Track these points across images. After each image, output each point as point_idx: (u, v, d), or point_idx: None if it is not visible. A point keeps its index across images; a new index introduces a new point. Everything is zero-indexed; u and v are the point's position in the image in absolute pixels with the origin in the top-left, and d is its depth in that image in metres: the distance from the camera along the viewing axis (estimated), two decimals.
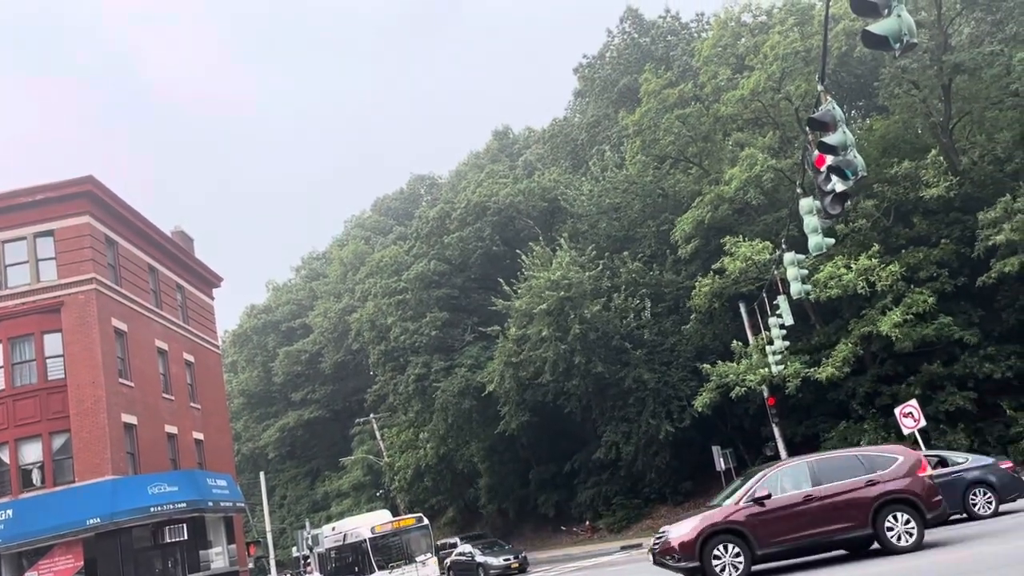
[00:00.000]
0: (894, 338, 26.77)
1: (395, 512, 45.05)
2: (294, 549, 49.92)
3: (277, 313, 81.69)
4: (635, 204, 40.50)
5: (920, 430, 24.83)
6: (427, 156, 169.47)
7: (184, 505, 27.03)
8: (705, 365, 31.66)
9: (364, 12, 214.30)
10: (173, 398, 33.04)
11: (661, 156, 38.43)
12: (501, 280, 39.50)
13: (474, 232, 45.41)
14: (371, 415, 62.21)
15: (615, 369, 35.51)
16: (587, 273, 35.85)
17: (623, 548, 32.84)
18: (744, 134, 36.06)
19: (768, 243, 29.41)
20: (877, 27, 8.23)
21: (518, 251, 40.59)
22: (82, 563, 25.88)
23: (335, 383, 72.15)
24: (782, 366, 27.75)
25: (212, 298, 41.29)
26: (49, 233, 28.29)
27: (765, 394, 31.11)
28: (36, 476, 26.69)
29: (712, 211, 33.10)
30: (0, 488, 26.56)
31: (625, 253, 38.57)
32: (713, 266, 31.69)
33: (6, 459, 26.72)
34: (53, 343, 27.43)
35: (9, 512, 25.59)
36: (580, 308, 34.63)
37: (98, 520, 25.34)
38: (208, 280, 40.64)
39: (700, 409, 31.76)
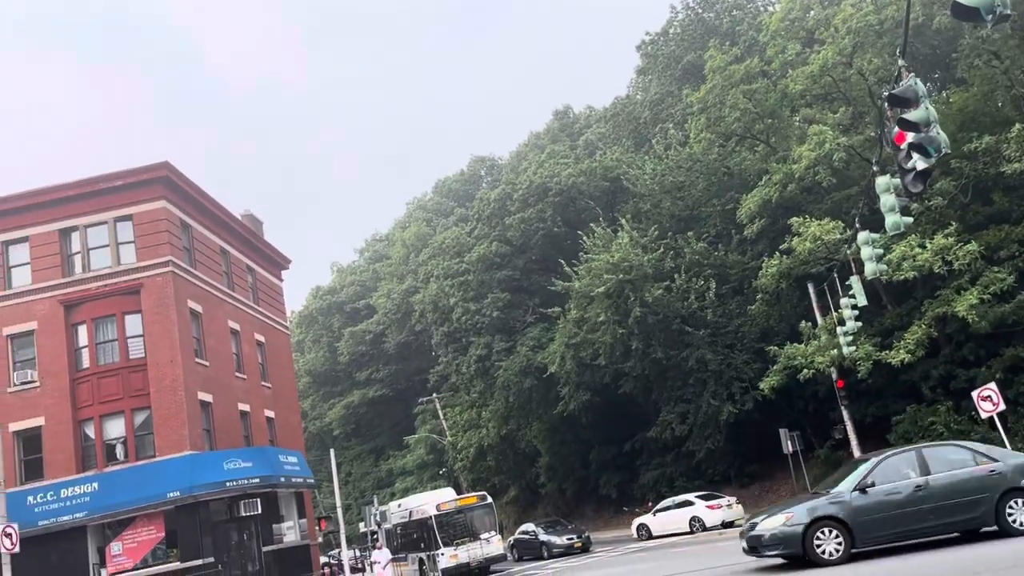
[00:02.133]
0: (970, 320, 25.90)
1: (458, 490, 45.66)
2: (360, 525, 51.15)
3: (342, 294, 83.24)
4: (699, 183, 39.89)
5: (999, 414, 24.06)
6: (487, 137, 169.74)
7: (258, 480, 27.92)
8: (772, 347, 31.17)
9: None
10: (245, 377, 34.05)
11: (726, 134, 37.72)
12: (562, 261, 39.46)
13: (535, 213, 45.41)
14: (434, 394, 63.02)
15: (674, 352, 35.20)
16: (647, 256, 35.50)
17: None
18: (813, 110, 35.15)
19: (838, 222, 28.67)
20: None
21: (579, 232, 40.43)
22: (163, 534, 27.01)
23: (399, 363, 73.29)
24: (853, 348, 27.11)
25: (281, 280, 42.27)
26: (128, 218, 29.34)
27: (834, 376, 30.51)
28: (120, 451, 27.88)
29: (780, 190, 32.42)
30: (86, 462, 27.85)
31: (689, 233, 38.08)
32: (781, 246, 31.08)
33: (92, 434, 27.97)
34: (133, 324, 28.53)
35: (95, 485, 26.82)
36: (640, 291, 34.36)
37: (178, 493, 26.38)
38: (277, 262, 41.59)
39: (766, 391, 31.33)
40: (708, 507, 30.30)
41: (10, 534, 20.13)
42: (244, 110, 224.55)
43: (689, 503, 31.11)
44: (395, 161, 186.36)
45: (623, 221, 38.09)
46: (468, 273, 47.59)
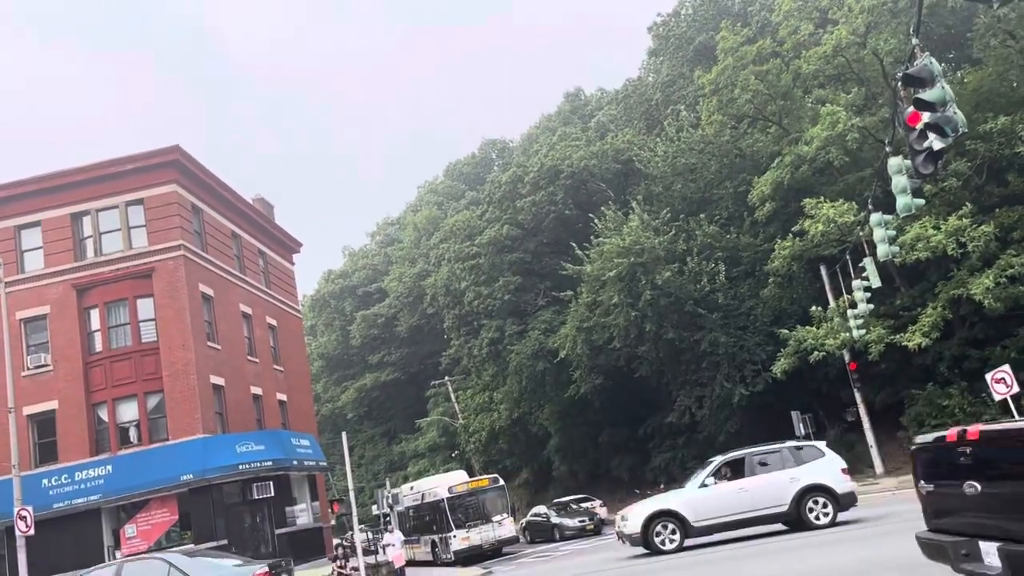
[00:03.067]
0: (986, 303, 25.69)
1: (470, 473, 45.83)
2: (373, 507, 51.49)
3: (354, 278, 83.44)
4: (711, 165, 39.61)
5: (1013, 396, 23.87)
6: (498, 120, 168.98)
7: (270, 463, 28.10)
8: (783, 330, 31.03)
9: None
10: (257, 361, 34.17)
11: (738, 115, 37.40)
12: (574, 244, 39.34)
13: (546, 196, 45.23)
14: (446, 377, 63.15)
15: (687, 335, 35.10)
16: (659, 239, 35.35)
17: None
18: (826, 91, 34.77)
19: (852, 204, 28.44)
20: None
21: (591, 215, 40.28)
22: (177, 517, 27.26)
23: (411, 346, 73.47)
24: (864, 331, 26.95)
25: (292, 263, 42.33)
26: (139, 202, 29.40)
27: (846, 359, 30.36)
28: (133, 434, 28.09)
29: (792, 172, 32.16)
30: (100, 445, 28.08)
31: (701, 216, 37.87)
32: (793, 228, 30.87)
33: (105, 418, 28.19)
34: (145, 307, 28.66)
35: (109, 468, 27.06)
36: (652, 274, 34.24)
37: (191, 476, 26.57)
38: (288, 246, 41.64)
39: (778, 374, 31.21)
40: None
41: (25, 517, 20.33)
42: (254, 96, 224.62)
43: None
44: (406, 144, 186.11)
45: (634, 204, 37.91)
46: (479, 256, 47.53)
